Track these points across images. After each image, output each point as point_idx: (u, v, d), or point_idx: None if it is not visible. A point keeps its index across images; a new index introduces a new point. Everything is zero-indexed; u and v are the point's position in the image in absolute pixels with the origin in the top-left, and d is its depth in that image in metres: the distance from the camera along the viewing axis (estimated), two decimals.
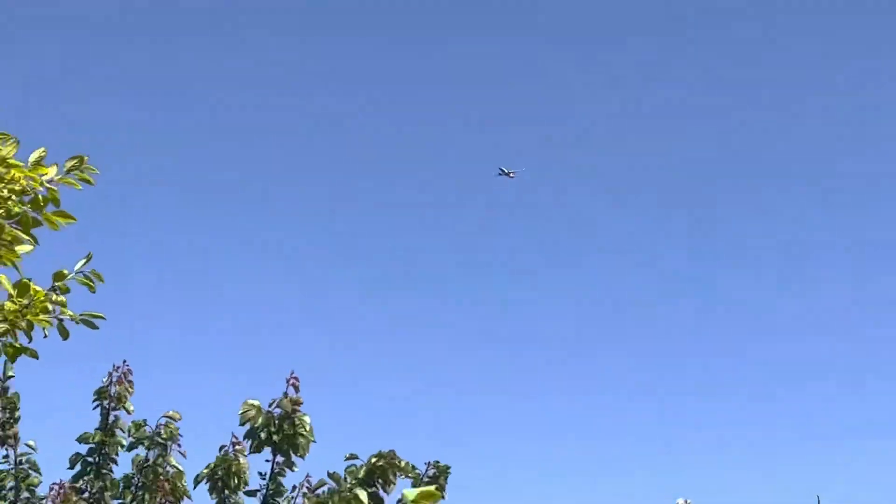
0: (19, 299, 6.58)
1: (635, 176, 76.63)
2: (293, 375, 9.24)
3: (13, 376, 9.86)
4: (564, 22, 78.23)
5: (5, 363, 9.39)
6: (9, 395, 9.74)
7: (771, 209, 72.58)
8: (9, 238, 6.54)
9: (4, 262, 6.55)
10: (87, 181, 7.02)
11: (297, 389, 9.22)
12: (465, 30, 77.28)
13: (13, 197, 6.66)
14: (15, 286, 6.61)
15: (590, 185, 78.00)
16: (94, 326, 6.97)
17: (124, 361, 9.95)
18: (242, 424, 9.21)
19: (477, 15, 75.96)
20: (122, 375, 9.85)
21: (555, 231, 76.09)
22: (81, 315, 6.90)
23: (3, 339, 6.67)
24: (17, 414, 9.86)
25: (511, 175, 68.18)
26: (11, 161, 6.69)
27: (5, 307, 6.60)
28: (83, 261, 7.00)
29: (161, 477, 9.62)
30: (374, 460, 8.94)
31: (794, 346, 63.39)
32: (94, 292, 7.05)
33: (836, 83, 74.49)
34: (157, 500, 9.53)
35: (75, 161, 6.98)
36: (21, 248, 6.62)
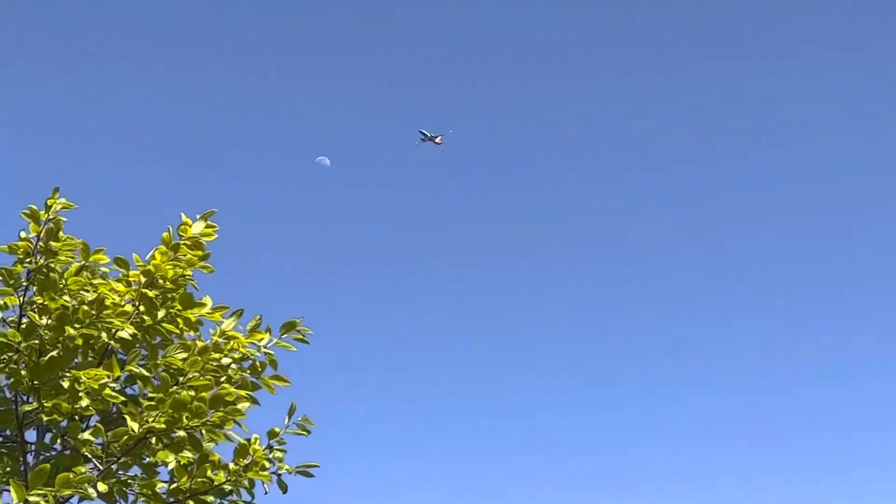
0: (241, 460, 7.09)
1: None
2: None
3: None
4: None
5: None
6: None
7: None
8: (232, 399, 7.10)
9: (231, 422, 7.10)
10: (303, 341, 7.58)
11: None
12: None
13: (233, 365, 7.24)
14: (237, 447, 7.13)
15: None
16: (310, 475, 7.44)
17: None
18: None
19: None
20: None
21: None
22: (298, 467, 7.40)
23: (230, 497, 7.19)
24: None
25: (437, 141, 58.32)
26: (231, 333, 7.30)
27: (230, 467, 7.12)
28: (288, 416, 7.49)
29: None
30: None
31: None
32: (308, 435, 7.50)
33: None
34: None
35: (289, 324, 7.54)
36: (243, 406, 7.16)
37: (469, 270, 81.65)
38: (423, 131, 59.85)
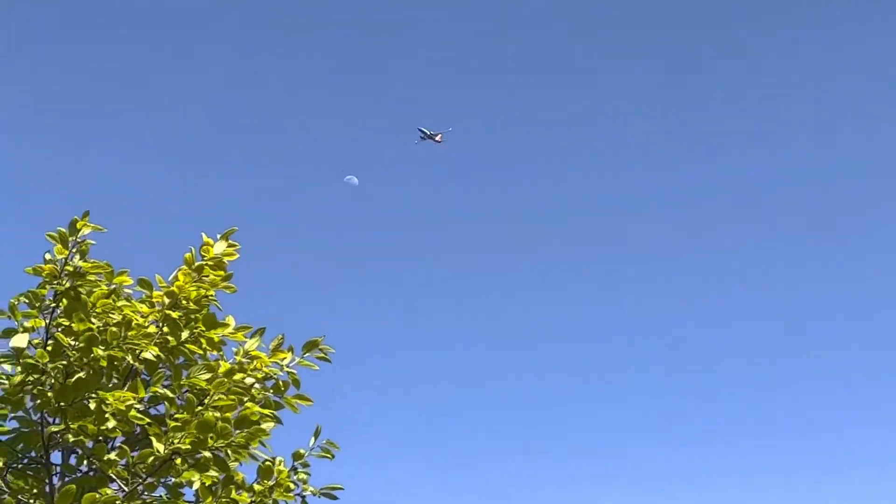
0: (265, 481, 7.09)
1: None
2: None
3: None
4: None
5: None
6: None
7: None
8: (256, 418, 7.09)
9: (255, 442, 7.09)
10: (325, 360, 7.58)
11: None
12: None
13: (256, 384, 7.24)
14: (261, 467, 7.14)
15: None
16: (333, 497, 7.45)
17: None
18: None
19: None
20: None
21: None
22: (322, 489, 7.40)
23: None
24: None
25: (437, 139, 56.99)
26: (254, 352, 7.29)
27: (254, 488, 7.12)
28: (313, 438, 7.48)
29: None
30: None
31: None
32: (332, 459, 7.50)
33: None
34: None
35: (311, 343, 7.54)
36: (267, 425, 7.15)
37: (469, 270, 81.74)
38: (423, 129, 58.87)
